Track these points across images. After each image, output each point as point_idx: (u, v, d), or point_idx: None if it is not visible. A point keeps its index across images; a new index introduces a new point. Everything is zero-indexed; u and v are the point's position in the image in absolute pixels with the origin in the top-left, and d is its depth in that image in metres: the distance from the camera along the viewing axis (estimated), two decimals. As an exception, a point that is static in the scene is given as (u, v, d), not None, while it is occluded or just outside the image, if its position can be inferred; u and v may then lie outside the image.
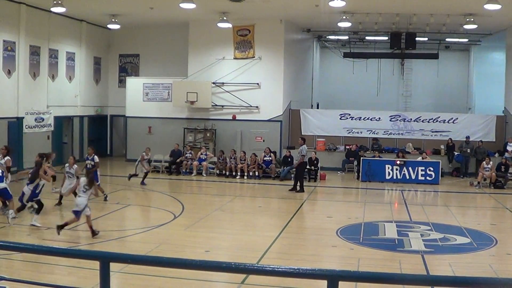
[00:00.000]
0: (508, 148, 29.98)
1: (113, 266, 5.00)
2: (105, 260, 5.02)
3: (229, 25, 30.05)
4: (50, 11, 27.38)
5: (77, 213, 15.17)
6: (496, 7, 22.70)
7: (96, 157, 21.48)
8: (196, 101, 31.28)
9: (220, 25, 29.67)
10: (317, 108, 37.93)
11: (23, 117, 28.20)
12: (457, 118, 32.15)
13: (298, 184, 24.02)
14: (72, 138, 33.01)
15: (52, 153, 22.02)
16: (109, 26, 31.92)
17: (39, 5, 27.76)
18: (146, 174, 25.31)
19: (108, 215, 19.12)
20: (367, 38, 35.35)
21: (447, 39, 35.44)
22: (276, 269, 4.93)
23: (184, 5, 25.22)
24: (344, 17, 27.53)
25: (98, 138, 35.27)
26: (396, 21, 28.69)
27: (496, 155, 29.96)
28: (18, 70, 27.77)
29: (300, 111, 32.95)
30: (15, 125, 27.69)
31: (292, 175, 26.75)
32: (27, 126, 28.36)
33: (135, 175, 25.05)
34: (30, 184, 17.15)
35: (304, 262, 13.48)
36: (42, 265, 11.88)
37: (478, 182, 26.84)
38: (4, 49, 26.82)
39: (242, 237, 17.00)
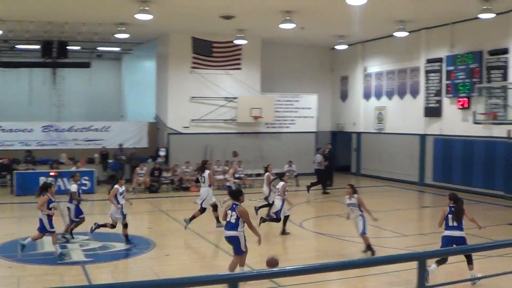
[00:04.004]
0: (161, 153, 31.16)
1: None
2: None
3: None
4: None
5: None
6: (148, 17, 23.21)
7: None
8: None
9: None
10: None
11: None
12: (109, 126, 32.46)
13: None
14: None
15: None
16: None
17: None
18: None
19: None
20: (18, 46, 33.81)
21: (99, 48, 35.35)
22: None
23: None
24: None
25: None
26: (48, 29, 27.96)
27: (150, 160, 30.87)
28: None
29: None
30: None
31: None
32: None
33: None
34: None
35: None
36: None
37: (133, 188, 27.44)
38: None
39: None
